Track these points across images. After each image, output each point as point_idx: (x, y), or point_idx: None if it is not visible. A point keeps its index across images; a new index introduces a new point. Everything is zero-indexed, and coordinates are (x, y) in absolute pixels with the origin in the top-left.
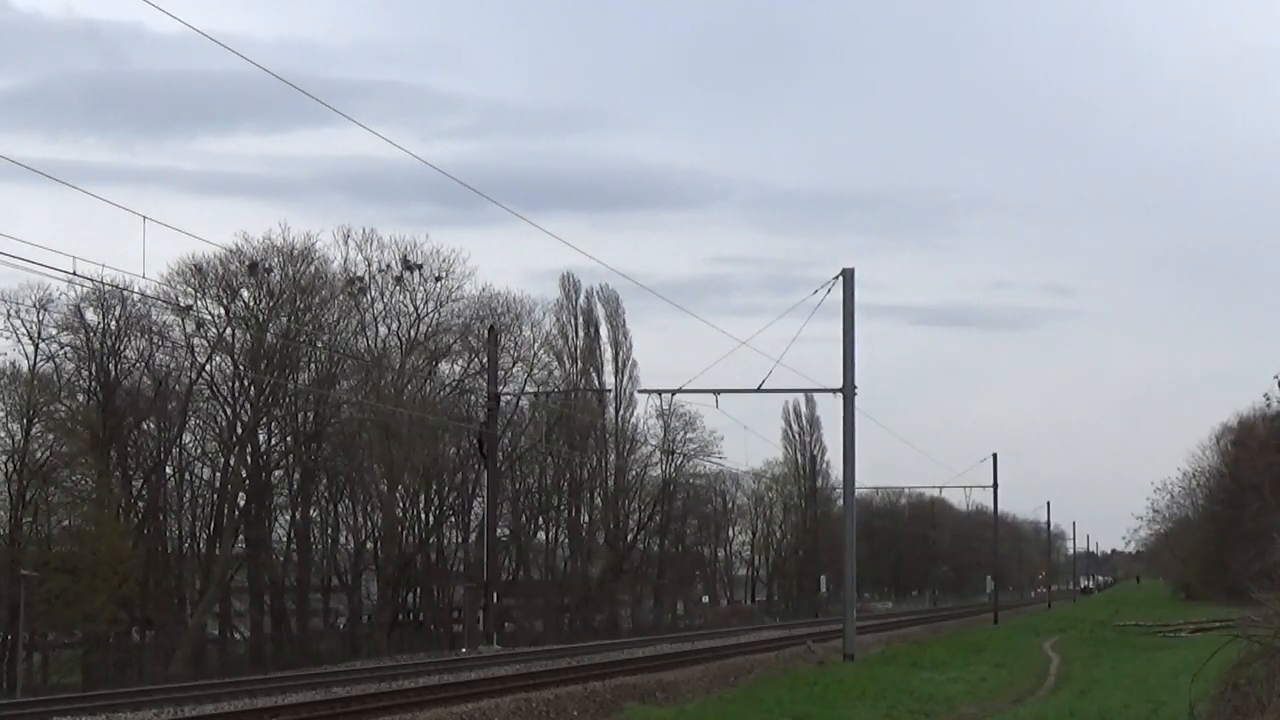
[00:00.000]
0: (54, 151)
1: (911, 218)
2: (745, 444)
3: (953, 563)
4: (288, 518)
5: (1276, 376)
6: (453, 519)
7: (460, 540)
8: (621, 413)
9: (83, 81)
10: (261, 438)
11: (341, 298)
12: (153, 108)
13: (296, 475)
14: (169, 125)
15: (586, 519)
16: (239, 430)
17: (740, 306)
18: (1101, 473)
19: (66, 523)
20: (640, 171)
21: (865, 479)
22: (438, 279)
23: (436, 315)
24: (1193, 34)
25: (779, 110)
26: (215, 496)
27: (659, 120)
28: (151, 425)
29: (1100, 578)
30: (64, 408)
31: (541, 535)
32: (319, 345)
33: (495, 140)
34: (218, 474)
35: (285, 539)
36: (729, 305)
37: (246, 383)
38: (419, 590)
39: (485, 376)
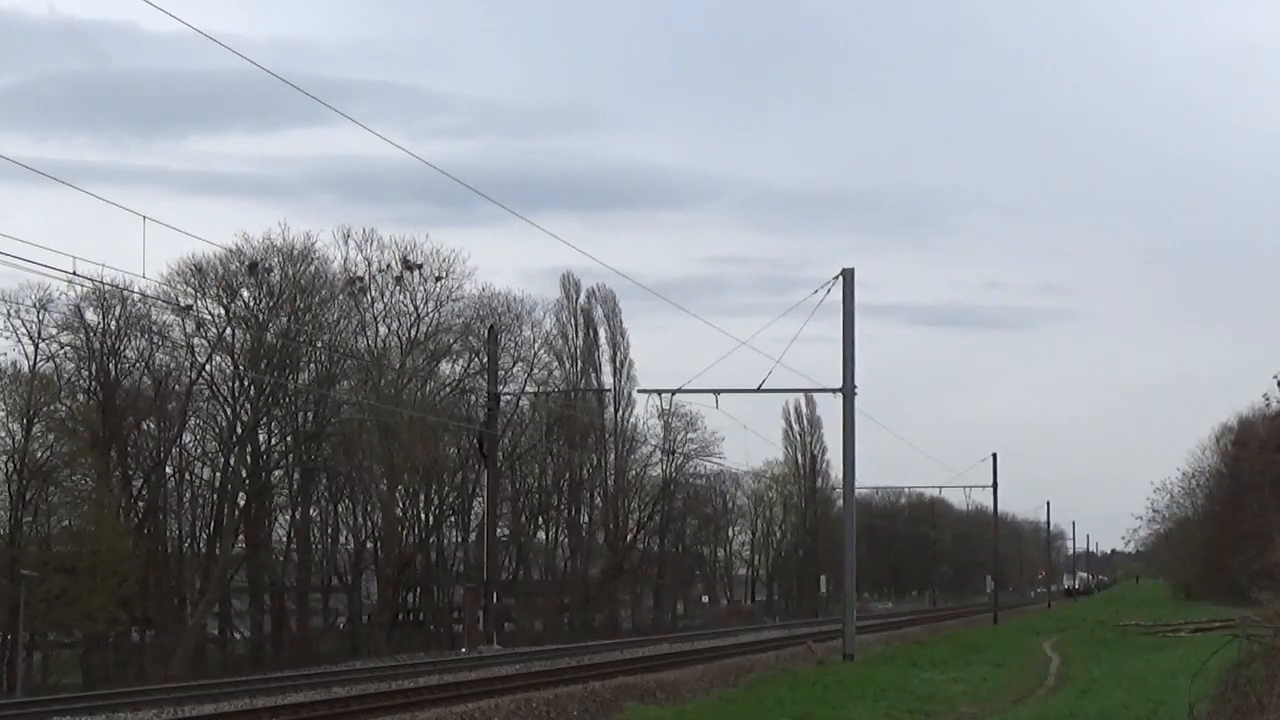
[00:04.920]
0: (44, 151)
1: (905, 217)
2: (745, 444)
3: (953, 563)
4: (288, 518)
5: (1276, 376)
6: (453, 519)
7: (460, 540)
8: (621, 413)
9: (71, 81)
10: (261, 438)
11: (341, 298)
12: (143, 107)
13: (296, 475)
14: (160, 124)
15: (586, 519)
16: (239, 430)
17: (734, 306)
18: (1101, 473)
19: (66, 523)
20: (633, 171)
21: (865, 479)
22: (438, 279)
23: (436, 315)
24: (1189, 33)
25: (773, 111)
26: (215, 496)
27: (652, 120)
28: (151, 425)
29: (1094, 576)
30: (64, 408)
31: (541, 535)
32: (319, 345)
33: (487, 140)
34: (218, 474)
35: (285, 539)
36: (722, 305)
37: (246, 383)
38: (419, 590)
39: (485, 376)
